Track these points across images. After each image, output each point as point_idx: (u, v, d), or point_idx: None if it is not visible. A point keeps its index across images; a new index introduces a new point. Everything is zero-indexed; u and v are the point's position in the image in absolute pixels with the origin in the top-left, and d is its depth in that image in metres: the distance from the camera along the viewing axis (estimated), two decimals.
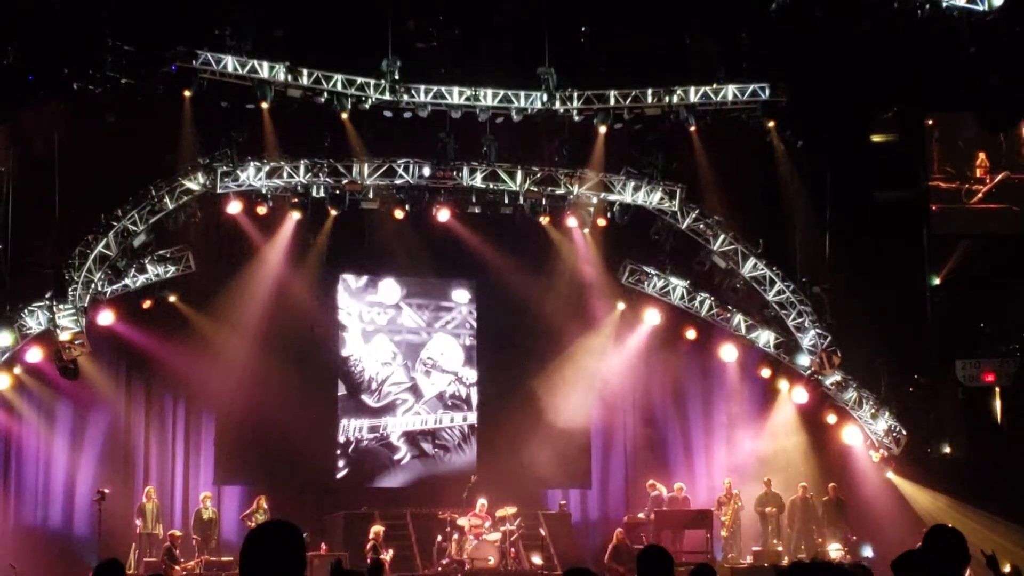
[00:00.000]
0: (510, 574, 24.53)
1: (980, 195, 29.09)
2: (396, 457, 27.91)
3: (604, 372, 28.79)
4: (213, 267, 26.83)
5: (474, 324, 28.69)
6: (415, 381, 28.11)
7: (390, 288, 28.02)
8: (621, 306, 28.84)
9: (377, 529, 23.82)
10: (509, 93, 26.24)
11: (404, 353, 28.06)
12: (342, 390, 27.73)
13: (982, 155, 29.22)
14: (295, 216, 26.57)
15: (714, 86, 26.42)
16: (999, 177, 29.14)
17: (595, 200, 27.05)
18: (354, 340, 27.86)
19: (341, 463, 27.62)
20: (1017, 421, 28.43)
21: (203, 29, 24.51)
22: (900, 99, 28.23)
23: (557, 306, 28.14)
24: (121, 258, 24.78)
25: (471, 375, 28.61)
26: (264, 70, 24.78)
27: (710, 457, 29.46)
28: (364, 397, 27.77)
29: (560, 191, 26.74)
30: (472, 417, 28.47)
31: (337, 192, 26.14)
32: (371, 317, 27.93)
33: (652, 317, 28.52)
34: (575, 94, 26.32)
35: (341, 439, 27.55)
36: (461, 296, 28.70)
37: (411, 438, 27.94)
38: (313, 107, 25.59)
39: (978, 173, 29.22)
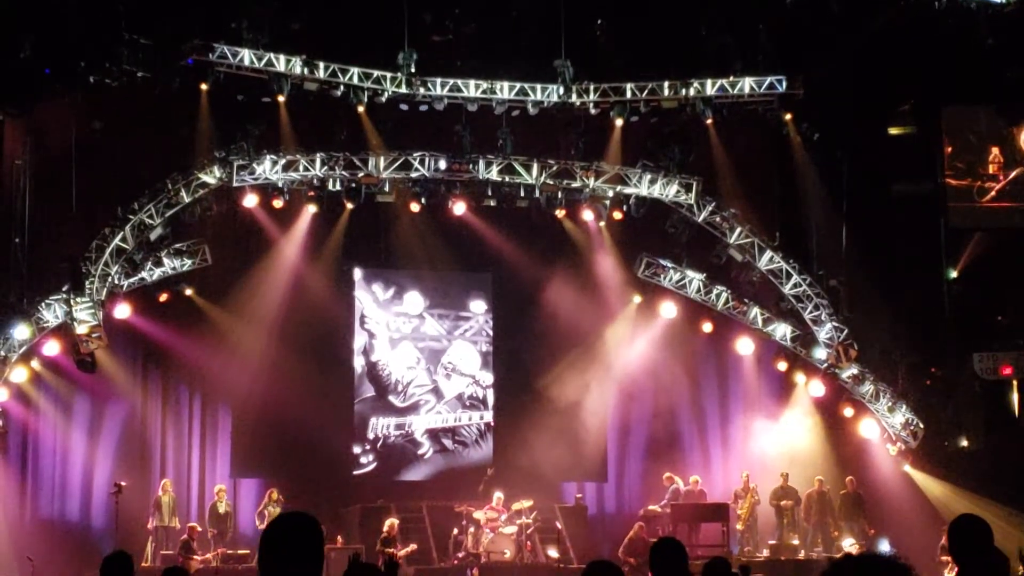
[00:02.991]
0: (526, 567, 24.53)
1: (993, 192, 28.90)
2: (420, 452, 28.64)
3: (620, 365, 28.74)
4: (229, 260, 26.88)
5: (490, 332, 29.24)
6: (437, 383, 28.90)
7: (414, 300, 28.89)
8: (637, 299, 28.79)
9: (392, 522, 23.79)
10: (525, 86, 26.25)
11: (427, 358, 28.91)
12: (371, 391, 28.46)
13: (995, 150, 29.04)
14: (311, 209, 26.61)
15: (731, 79, 26.38)
16: (1014, 174, 28.95)
17: (611, 193, 27.02)
18: (382, 347, 28.66)
19: (370, 457, 28.22)
20: None
21: (219, 22, 24.59)
22: (917, 92, 28.15)
23: (573, 299, 28.10)
24: (138, 251, 24.84)
25: (487, 378, 29.17)
26: (280, 63, 24.81)
27: (726, 450, 29.40)
28: (391, 398, 28.57)
29: (576, 184, 26.70)
30: (488, 416, 29.04)
31: (353, 185, 26.14)
32: (397, 326, 28.80)
33: (668, 310, 28.45)
34: (591, 87, 26.32)
35: (370, 435, 28.22)
36: (478, 307, 29.28)
37: (433, 435, 28.72)
38: (329, 100, 25.64)
39: (991, 169, 29.02)
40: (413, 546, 24.32)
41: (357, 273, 28.63)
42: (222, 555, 24.09)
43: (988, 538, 6.72)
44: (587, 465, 28.88)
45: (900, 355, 28.47)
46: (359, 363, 28.46)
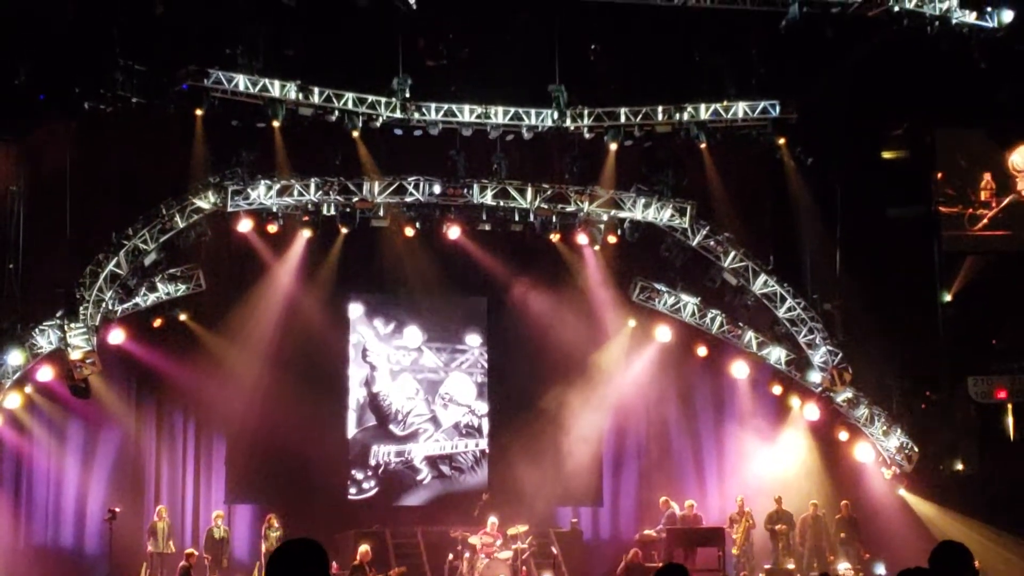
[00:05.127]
0: None
1: (985, 220, 28.87)
2: (419, 478, 29.04)
3: (615, 389, 28.73)
4: (224, 285, 26.87)
5: (485, 364, 29.63)
6: (434, 413, 29.34)
7: (413, 333, 29.41)
8: (632, 323, 28.83)
9: (364, 549, 23.44)
10: (520, 111, 26.27)
11: (425, 389, 29.38)
12: (373, 420, 28.91)
13: (987, 176, 29.06)
14: (306, 234, 26.62)
15: (724, 103, 26.40)
16: (1006, 201, 28.97)
17: (605, 217, 27.05)
18: (383, 378, 29.15)
19: (372, 483, 28.61)
20: None
21: (214, 48, 24.56)
22: (911, 116, 28.22)
23: (568, 323, 28.10)
24: (132, 277, 24.81)
25: (482, 407, 29.51)
26: (275, 88, 24.82)
27: (721, 474, 29.38)
28: (391, 427, 29.03)
29: (570, 208, 26.72)
30: (483, 443, 29.36)
31: (347, 210, 26.15)
32: (397, 359, 29.31)
33: (663, 334, 28.49)
34: (585, 111, 26.33)
35: (372, 462, 28.65)
36: (474, 340, 29.67)
37: (431, 461, 29.16)
38: (324, 125, 25.63)
39: (983, 196, 29.02)
40: (402, 568, 24.21)
41: (359, 309, 28.92)
42: None
43: (970, 565, 6.79)
44: (582, 489, 28.88)
45: (895, 379, 28.50)
46: (361, 394, 28.83)
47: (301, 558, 5.35)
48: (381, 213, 26.45)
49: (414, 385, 29.22)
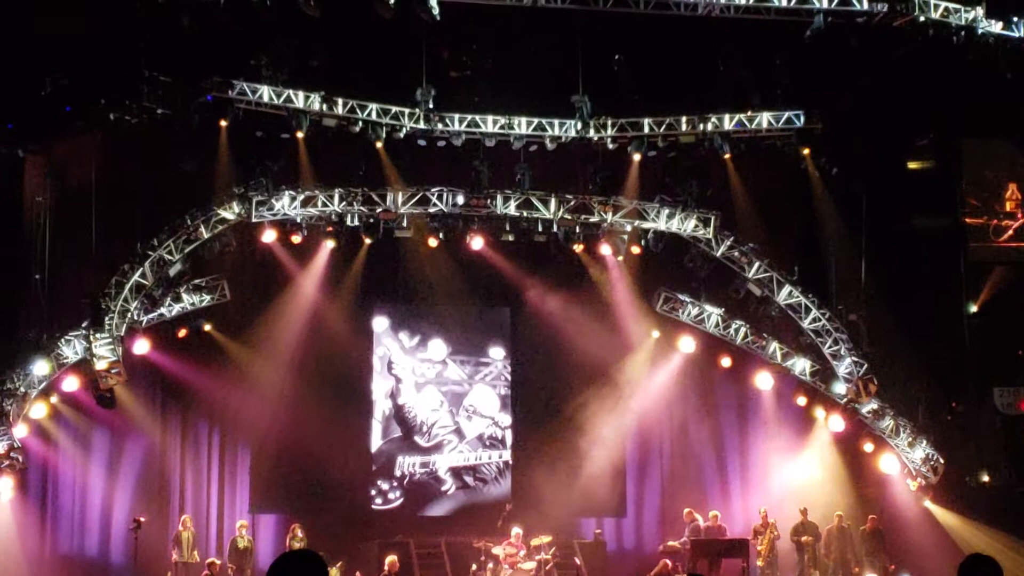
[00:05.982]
0: None
1: (1011, 232, 28.71)
2: (443, 488, 29.16)
3: (638, 400, 28.69)
4: (248, 296, 26.96)
5: (508, 376, 29.74)
6: (459, 425, 29.47)
7: (438, 347, 29.57)
8: (656, 334, 28.78)
9: (392, 559, 23.55)
10: (543, 121, 26.29)
11: (450, 401, 29.52)
12: (398, 432, 29.09)
13: (1012, 186, 28.91)
14: (329, 245, 26.69)
15: (749, 113, 26.33)
16: None
17: (629, 228, 27.00)
18: (408, 390, 29.33)
19: (397, 493, 28.75)
20: None
21: (239, 59, 24.65)
22: (936, 126, 28.09)
23: (591, 334, 28.08)
24: (157, 287, 24.89)
25: (506, 419, 29.60)
26: (299, 100, 24.91)
27: (746, 485, 29.28)
28: (416, 438, 29.18)
29: (594, 219, 26.69)
30: (507, 455, 29.46)
31: (371, 220, 26.21)
32: (422, 371, 29.50)
33: (687, 345, 28.42)
34: (609, 122, 26.32)
35: (398, 473, 28.83)
36: (497, 353, 29.81)
37: (456, 472, 29.30)
38: (348, 136, 25.70)
39: (1008, 207, 28.86)
40: None
41: (384, 322, 29.04)
42: None
43: None
44: (606, 500, 28.84)
45: (920, 390, 28.31)
46: (387, 406, 28.97)
47: (299, 569, 5.32)
48: (405, 223, 26.50)
49: (439, 397, 29.33)
